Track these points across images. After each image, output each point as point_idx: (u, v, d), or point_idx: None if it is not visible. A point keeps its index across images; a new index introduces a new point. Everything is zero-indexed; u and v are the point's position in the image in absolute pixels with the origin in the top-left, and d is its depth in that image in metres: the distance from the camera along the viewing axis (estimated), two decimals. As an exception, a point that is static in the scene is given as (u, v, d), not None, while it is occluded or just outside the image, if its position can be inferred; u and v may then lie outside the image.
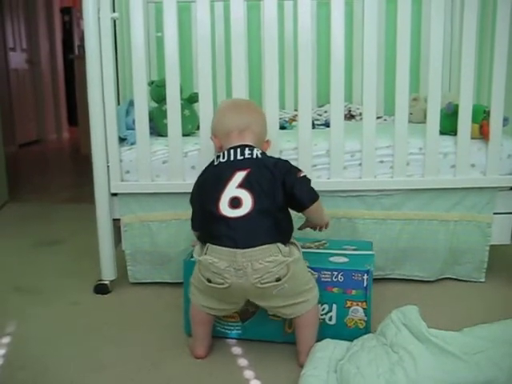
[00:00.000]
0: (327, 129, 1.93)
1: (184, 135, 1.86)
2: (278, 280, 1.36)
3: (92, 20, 1.77)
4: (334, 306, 1.53)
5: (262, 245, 1.35)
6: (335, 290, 1.52)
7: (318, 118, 2.38)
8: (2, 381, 1.41)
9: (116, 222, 1.93)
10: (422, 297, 1.83)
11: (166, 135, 1.86)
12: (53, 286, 2.01)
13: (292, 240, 1.48)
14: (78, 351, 1.55)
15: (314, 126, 1.97)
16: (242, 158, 1.47)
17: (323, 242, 1.74)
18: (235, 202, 1.39)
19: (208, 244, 1.40)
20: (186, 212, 1.87)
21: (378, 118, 1.95)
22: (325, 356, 1.40)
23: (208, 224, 1.44)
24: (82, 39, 7.26)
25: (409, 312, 1.38)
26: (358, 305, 1.52)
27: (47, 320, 1.75)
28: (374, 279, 1.88)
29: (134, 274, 1.97)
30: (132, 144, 1.89)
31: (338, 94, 1.80)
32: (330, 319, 1.54)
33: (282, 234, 1.42)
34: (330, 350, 1.42)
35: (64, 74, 7.02)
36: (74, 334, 1.66)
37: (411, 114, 2.19)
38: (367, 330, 1.52)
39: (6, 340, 1.62)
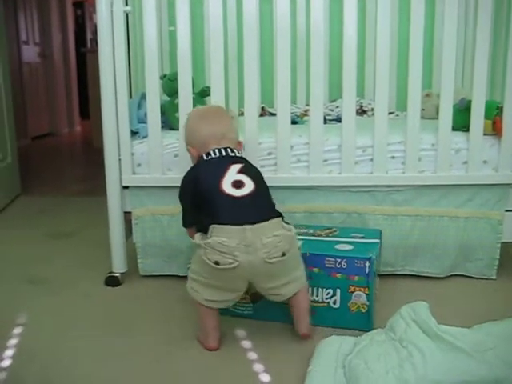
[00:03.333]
0: (339, 124, 1.92)
1: (195, 129, 1.87)
2: (283, 255, 1.43)
3: (105, 13, 1.77)
4: (338, 290, 1.60)
5: (269, 219, 1.44)
6: (339, 275, 1.59)
7: (330, 113, 2.37)
8: (14, 371, 1.42)
9: (127, 215, 1.94)
10: (432, 293, 1.83)
11: (177, 129, 1.87)
12: (64, 278, 2.03)
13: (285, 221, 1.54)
14: (88, 342, 1.57)
15: (325, 120, 1.97)
16: (232, 154, 1.57)
17: (333, 229, 1.79)
18: (238, 184, 1.47)
19: (213, 226, 1.42)
20: (197, 206, 1.89)
21: (390, 113, 1.94)
22: (332, 351, 1.40)
23: (210, 208, 1.46)
24: (94, 33, 7.29)
25: (419, 308, 1.38)
26: (360, 290, 1.58)
27: (58, 311, 1.76)
28: (384, 275, 1.89)
29: (144, 267, 1.98)
30: (144, 137, 1.89)
31: (350, 88, 1.80)
32: (335, 303, 1.61)
33: (278, 214, 1.51)
34: (336, 345, 1.43)
35: (76, 68, 7.05)
36: (85, 326, 1.67)
37: (423, 109, 2.17)
38: (369, 314, 1.58)
39: (17, 330, 1.63)
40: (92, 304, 1.82)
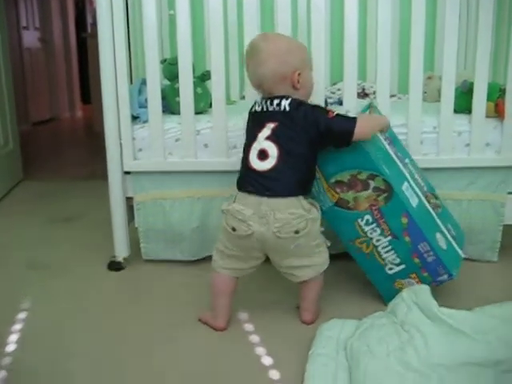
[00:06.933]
0: (340, 107, 1.91)
1: (196, 113, 1.86)
2: (296, 232, 1.43)
3: (104, -3, 1.76)
4: (403, 266, 1.57)
5: (285, 197, 1.43)
6: (417, 260, 1.55)
7: (331, 95, 2.36)
8: (19, 355, 1.44)
9: (129, 200, 1.95)
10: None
11: (178, 113, 1.86)
12: (67, 263, 2.04)
13: (312, 201, 1.51)
14: (92, 326, 1.58)
15: (326, 103, 1.96)
16: (272, 109, 1.49)
17: (438, 203, 1.72)
18: (262, 155, 1.46)
19: (236, 193, 1.49)
20: (199, 190, 1.89)
21: (391, 96, 1.93)
22: (333, 335, 1.41)
23: (240, 173, 1.52)
24: (94, 17, 7.23)
25: (420, 291, 1.39)
26: (417, 282, 1.57)
27: (61, 295, 1.78)
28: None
29: (147, 252, 1.99)
30: (145, 122, 1.89)
31: (352, 71, 1.79)
32: (390, 269, 1.59)
33: (304, 187, 1.49)
34: (337, 328, 1.44)
35: (77, 53, 7.02)
36: (89, 310, 1.68)
37: (425, 92, 2.17)
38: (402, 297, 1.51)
39: (21, 315, 1.64)
40: (95, 288, 1.83)
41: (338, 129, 1.45)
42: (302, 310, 1.58)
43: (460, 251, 1.65)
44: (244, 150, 1.53)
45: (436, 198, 1.74)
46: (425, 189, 1.68)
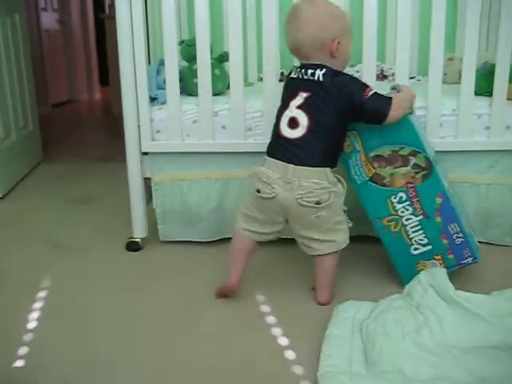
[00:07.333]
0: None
1: (214, 94, 1.86)
2: (318, 203, 1.45)
3: (122, -22, 1.76)
4: (429, 247, 1.57)
5: (311, 166, 1.45)
6: (445, 241, 1.55)
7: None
8: (40, 332, 1.47)
9: (147, 181, 1.96)
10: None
11: (196, 94, 1.86)
12: (86, 243, 2.07)
13: (338, 177, 1.52)
14: (111, 304, 1.61)
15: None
16: (306, 78, 1.49)
17: None
18: (293, 123, 1.48)
19: (265, 157, 1.52)
20: (216, 171, 1.90)
21: (411, 78, 1.91)
22: (348, 316, 1.42)
23: (272, 138, 1.55)
24: (112, -2, 7.22)
25: (437, 274, 1.38)
26: (441, 264, 1.58)
27: (81, 275, 1.80)
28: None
29: (164, 233, 2.00)
30: (163, 103, 1.89)
31: (371, 53, 1.77)
32: (416, 249, 1.59)
33: (331, 158, 1.51)
34: (353, 310, 1.45)
35: (95, 34, 7.02)
36: (107, 289, 1.71)
37: (445, 74, 2.14)
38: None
39: (42, 294, 1.68)
40: (113, 268, 1.85)
41: (372, 108, 1.45)
42: (317, 291, 1.59)
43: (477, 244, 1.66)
44: (276, 116, 1.54)
45: None
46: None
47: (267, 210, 1.52)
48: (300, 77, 1.50)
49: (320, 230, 1.50)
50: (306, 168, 1.45)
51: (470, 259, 1.55)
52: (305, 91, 1.47)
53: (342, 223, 1.54)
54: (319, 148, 1.46)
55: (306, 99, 1.47)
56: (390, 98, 1.46)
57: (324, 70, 1.46)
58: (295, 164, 1.45)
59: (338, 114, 1.46)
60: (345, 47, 1.49)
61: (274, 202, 1.48)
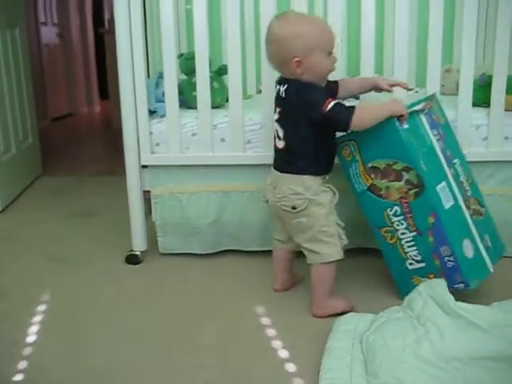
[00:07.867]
0: (356, 101, 1.91)
1: (213, 107, 1.87)
2: (293, 208, 1.53)
3: (122, -7, 1.77)
4: (423, 264, 1.57)
5: (289, 173, 1.54)
6: (437, 262, 1.54)
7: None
8: (41, 345, 1.46)
9: (147, 194, 1.96)
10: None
11: (195, 107, 1.87)
12: (86, 256, 2.06)
13: (326, 187, 1.56)
14: (110, 317, 1.60)
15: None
16: (276, 94, 1.57)
17: (482, 211, 1.69)
18: (277, 135, 1.58)
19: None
20: (216, 184, 1.90)
21: (409, 90, 1.91)
22: (349, 329, 1.42)
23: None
24: (112, 13, 7.26)
25: (437, 285, 1.38)
26: (431, 278, 1.54)
27: (80, 288, 1.80)
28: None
29: (164, 245, 2.00)
30: (162, 116, 1.90)
31: (368, 65, 1.78)
32: (411, 264, 1.59)
33: (313, 166, 1.54)
34: (353, 322, 1.44)
35: (95, 48, 7.06)
36: (107, 302, 1.70)
37: (443, 85, 2.14)
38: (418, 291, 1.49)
39: (41, 308, 1.67)
40: (113, 281, 1.85)
41: (333, 119, 1.47)
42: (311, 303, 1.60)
43: (490, 264, 1.61)
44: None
45: (481, 205, 1.69)
46: (468, 193, 1.64)
47: (273, 216, 1.66)
48: (276, 92, 1.57)
49: (305, 237, 1.55)
50: (284, 175, 1.55)
51: (461, 285, 1.52)
52: (278, 106, 1.57)
53: (331, 236, 1.53)
54: (296, 157, 1.53)
55: (280, 113, 1.56)
56: (353, 107, 1.48)
57: (285, 86, 1.52)
58: (280, 171, 1.56)
59: (308, 124, 1.49)
60: (315, 62, 1.47)
61: (269, 206, 1.62)
